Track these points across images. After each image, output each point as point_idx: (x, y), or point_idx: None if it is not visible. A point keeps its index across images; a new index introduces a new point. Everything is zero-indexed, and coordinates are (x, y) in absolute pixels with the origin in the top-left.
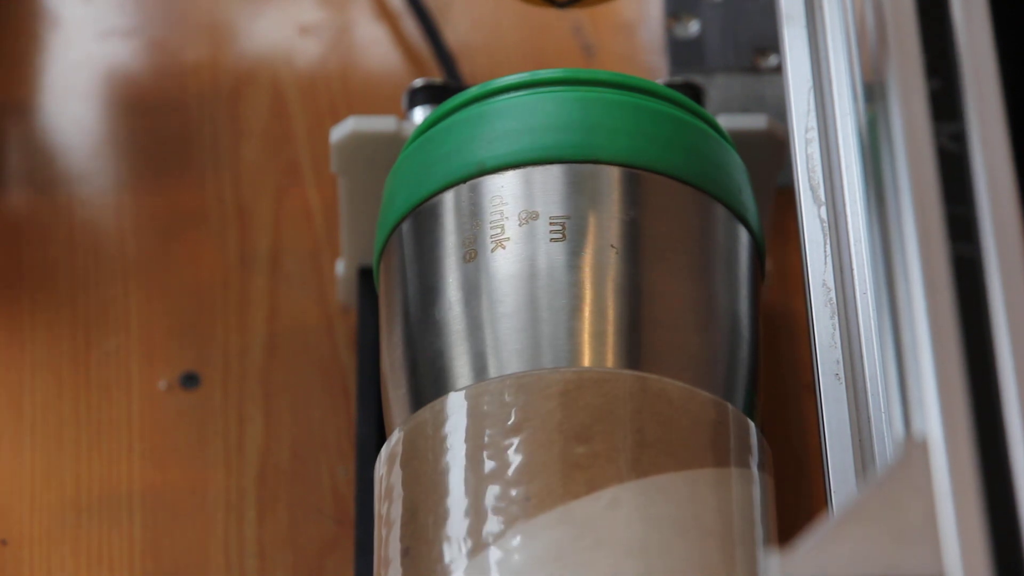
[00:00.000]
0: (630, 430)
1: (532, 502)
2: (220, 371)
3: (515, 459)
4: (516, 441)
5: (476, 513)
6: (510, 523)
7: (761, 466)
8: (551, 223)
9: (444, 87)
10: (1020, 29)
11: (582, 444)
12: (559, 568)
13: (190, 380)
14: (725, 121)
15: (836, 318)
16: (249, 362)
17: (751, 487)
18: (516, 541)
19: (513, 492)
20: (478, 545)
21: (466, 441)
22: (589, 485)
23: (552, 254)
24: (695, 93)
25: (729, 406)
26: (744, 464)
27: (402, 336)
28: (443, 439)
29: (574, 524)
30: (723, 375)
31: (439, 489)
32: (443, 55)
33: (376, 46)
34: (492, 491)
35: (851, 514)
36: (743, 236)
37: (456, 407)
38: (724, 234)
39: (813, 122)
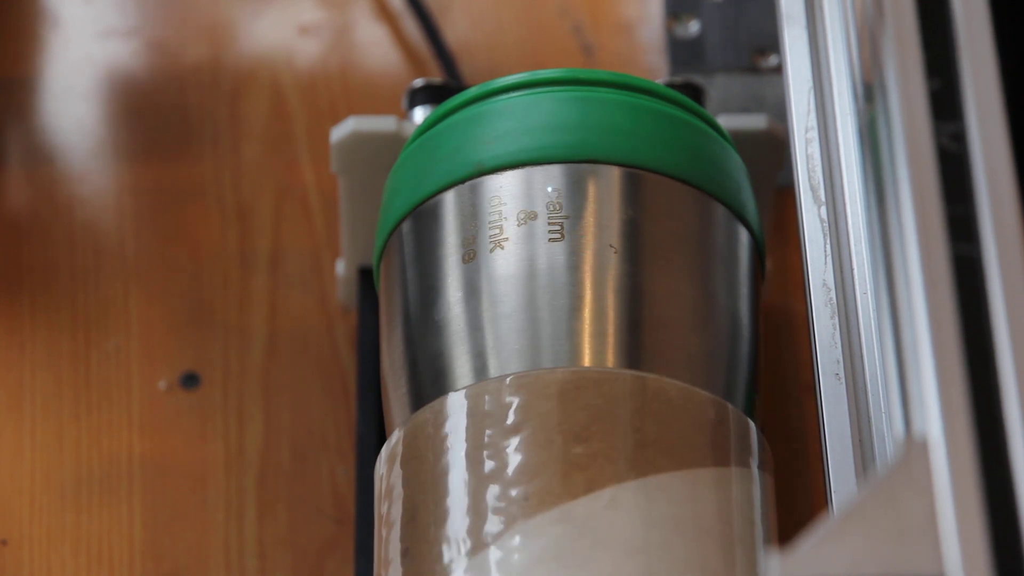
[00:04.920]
0: (629, 430)
1: (531, 502)
2: (220, 371)
3: (514, 459)
4: (515, 441)
5: (476, 513)
6: (509, 523)
7: (761, 466)
8: (550, 223)
9: (444, 87)
10: (1020, 29)
11: (581, 444)
12: (558, 568)
13: (190, 380)
14: (725, 121)
15: (836, 318)
16: (249, 362)
17: (751, 487)
18: (515, 541)
19: (512, 492)
20: (478, 545)
21: (466, 441)
22: (588, 485)
23: (551, 254)
24: (695, 93)
25: (729, 406)
26: (744, 464)
27: (402, 336)
28: (443, 439)
29: (573, 524)
30: (723, 375)
31: (439, 489)
32: (443, 55)
33: (376, 46)
34: (492, 491)
35: (851, 514)
36: (743, 236)
37: (456, 407)
38: (724, 234)
39: (813, 122)
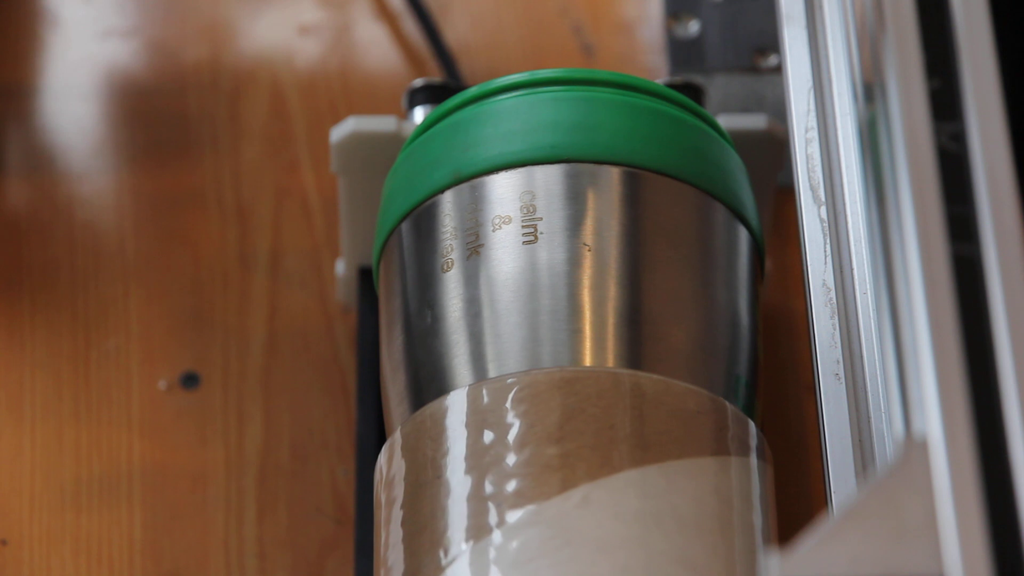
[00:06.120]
0: (603, 427)
1: (509, 504)
2: (220, 371)
3: (497, 461)
4: (499, 443)
5: (466, 515)
6: (493, 524)
7: (757, 457)
8: (523, 226)
9: (444, 87)
10: (1020, 29)
11: (554, 444)
12: (533, 568)
13: (190, 380)
14: (725, 121)
15: (836, 318)
16: (249, 362)
17: (738, 476)
18: (499, 541)
19: (495, 494)
20: (466, 547)
21: (455, 443)
22: (562, 484)
23: (524, 257)
24: (695, 93)
25: (711, 395)
26: (731, 453)
27: (401, 337)
28: (437, 441)
29: (546, 524)
30: (721, 373)
31: (434, 489)
32: (443, 55)
33: (376, 46)
34: (478, 492)
35: (851, 514)
36: (743, 236)
37: (447, 410)
38: (724, 234)
39: (813, 122)
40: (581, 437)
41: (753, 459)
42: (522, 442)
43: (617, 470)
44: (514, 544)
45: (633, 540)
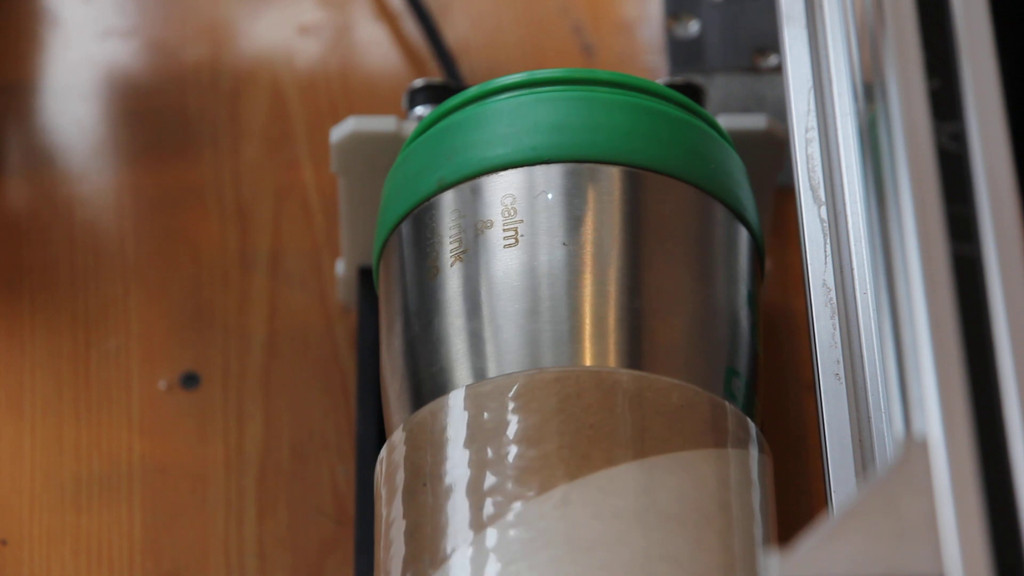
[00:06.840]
0: (582, 426)
1: (498, 505)
2: (220, 371)
3: (488, 463)
4: (491, 444)
5: (457, 515)
6: (484, 525)
7: (754, 452)
8: (504, 230)
9: (444, 87)
10: (1020, 29)
11: (534, 446)
12: (515, 570)
13: (190, 380)
14: (725, 121)
15: (836, 318)
16: (249, 362)
17: (732, 470)
18: (488, 543)
19: (485, 495)
20: (458, 547)
21: (450, 444)
22: (542, 485)
23: (505, 261)
24: (695, 93)
25: (696, 388)
26: (720, 447)
27: (400, 337)
28: (434, 441)
29: (527, 526)
30: (719, 372)
31: (430, 489)
32: (443, 55)
33: (376, 46)
34: (470, 494)
35: (851, 514)
36: (743, 235)
37: (444, 411)
38: (724, 233)
39: (813, 122)
40: (561, 437)
41: (750, 454)
42: (509, 444)
43: (596, 469)
44: (500, 545)
45: (613, 538)
